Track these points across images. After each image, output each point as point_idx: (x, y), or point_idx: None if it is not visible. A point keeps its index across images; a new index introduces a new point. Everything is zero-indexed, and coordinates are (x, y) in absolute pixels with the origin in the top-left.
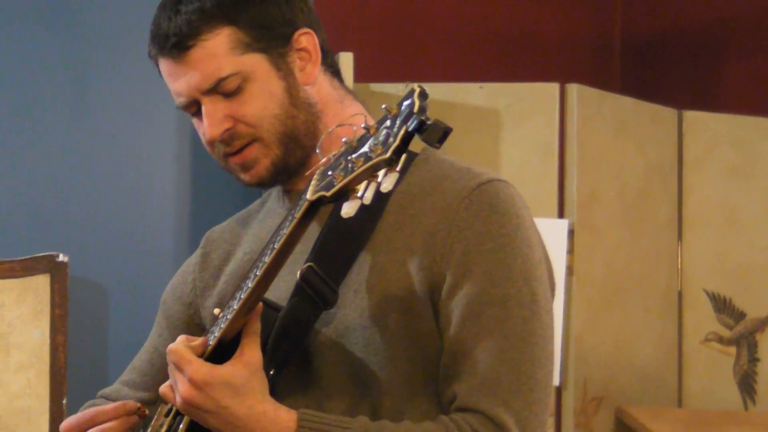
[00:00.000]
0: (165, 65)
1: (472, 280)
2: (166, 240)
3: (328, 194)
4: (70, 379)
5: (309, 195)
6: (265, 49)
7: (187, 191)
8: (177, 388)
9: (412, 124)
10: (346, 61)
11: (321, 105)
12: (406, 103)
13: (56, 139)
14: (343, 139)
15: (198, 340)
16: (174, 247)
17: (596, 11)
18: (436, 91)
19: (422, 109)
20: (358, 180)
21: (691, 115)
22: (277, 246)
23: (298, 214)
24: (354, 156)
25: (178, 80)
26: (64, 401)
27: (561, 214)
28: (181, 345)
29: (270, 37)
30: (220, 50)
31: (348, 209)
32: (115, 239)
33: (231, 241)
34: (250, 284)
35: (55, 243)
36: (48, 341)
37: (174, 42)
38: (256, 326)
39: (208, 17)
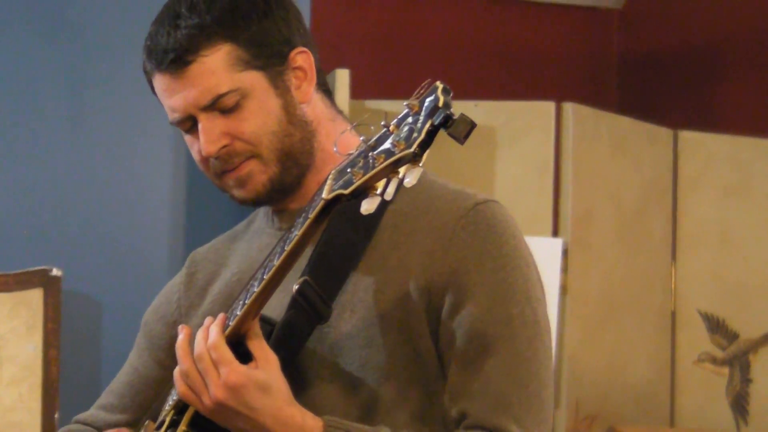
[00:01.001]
0: (161, 81)
1: (475, 300)
2: (160, 255)
3: (346, 192)
4: (62, 393)
5: (325, 194)
6: (264, 66)
7: (182, 206)
8: (209, 388)
9: (438, 118)
10: (342, 77)
11: (315, 123)
12: (429, 99)
13: (51, 152)
14: (361, 138)
15: None
16: (168, 262)
17: (593, 30)
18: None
19: (447, 104)
20: (378, 177)
21: (687, 135)
22: (288, 247)
23: (312, 214)
24: (374, 153)
25: (174, 96)
26: (57, 415)
27: (555, 233)
28: (222, 341)
29: (268, 55)
30: (219, 67)
31: (368, 206)
32: (109, 254)
33: (217, 262)
34: (257, 288)
35: (48, 257)
36: (41, 355)
37: (173, 57)
38: (258, 329)
39: (208, 33)
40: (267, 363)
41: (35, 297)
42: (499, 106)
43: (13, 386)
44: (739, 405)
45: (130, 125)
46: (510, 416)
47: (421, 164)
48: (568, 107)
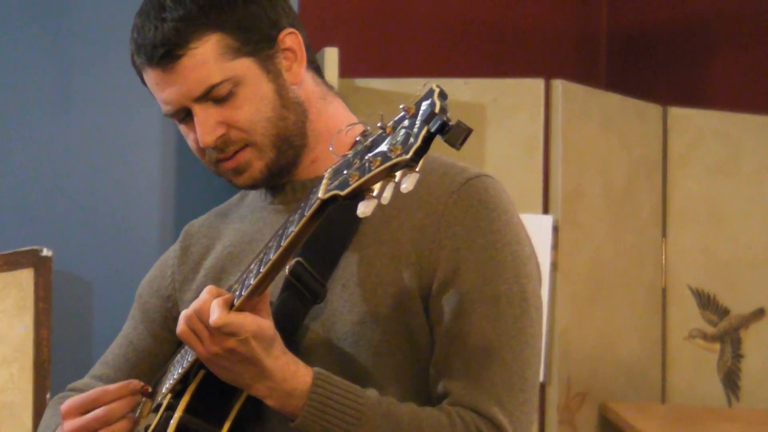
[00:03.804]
0: (152, 75)
1: (463, 277)
2: (150, 235)
3: (342, 193)
4: (53, 373)
5: (321, 194)
6: (253, 52)
7: (171, 186)
8: (217, 339)
9: (434, 125)
10: (331, 56)
11: (307, 103)
12: (425, 103)
13: (41, 133)
14: (357, 138)
15: None
16: (158, 242)
17: (582, 7)
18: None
19: (443, 110)
20: (374, 180)
21: (676, 111)
22: (284, 243)
23: (308, 212)
24: (370, 155)
25: (166, 90)
26: (48, 396)
27: (546, 210)
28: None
29: (257, 40)
30: (209, 57)
31: (365, 208)
32: (100, 234)
33: (210, 236)
34: (253, 281)
35: (39, 237)
36: (32, 336)
37: (163, 52)
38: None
39: (195, 24)
40: (268, 317)
41: (26, 277)
42: (488, 83)
43: (4, 367)
44: (731, 381)
45: (120, 106)
46: (491, 397)
47: (417, 170)
48: (558, 84)
